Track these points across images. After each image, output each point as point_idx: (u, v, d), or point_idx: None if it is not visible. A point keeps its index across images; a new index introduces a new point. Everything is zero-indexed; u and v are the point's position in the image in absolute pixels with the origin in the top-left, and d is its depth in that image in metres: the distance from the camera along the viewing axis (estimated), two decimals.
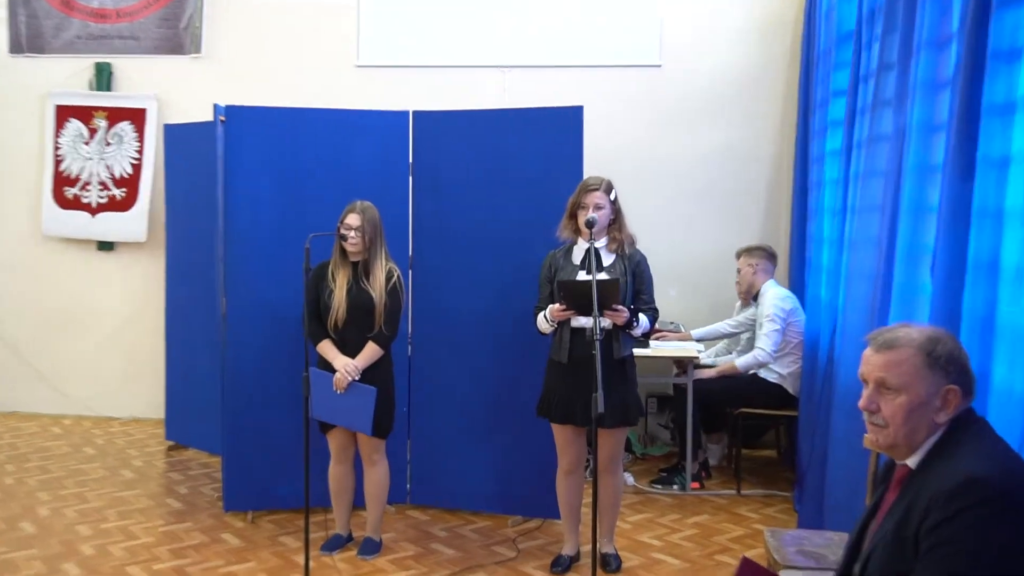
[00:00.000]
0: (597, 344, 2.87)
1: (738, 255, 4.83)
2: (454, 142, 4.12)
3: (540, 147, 3.96)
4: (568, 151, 3.91)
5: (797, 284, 4.88)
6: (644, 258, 3.50)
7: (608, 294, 3.17)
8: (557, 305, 3.31)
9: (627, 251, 3.48)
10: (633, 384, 3.49)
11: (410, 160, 4.17)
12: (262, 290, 4.08)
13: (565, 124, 3.91)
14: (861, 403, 1.81)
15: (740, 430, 4.70)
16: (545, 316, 3.41)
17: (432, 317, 4.19)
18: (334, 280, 3.56)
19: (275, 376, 4.07)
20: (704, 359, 4.90)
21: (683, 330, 5.06)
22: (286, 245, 3.97)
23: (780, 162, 5.39)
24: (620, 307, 3.26)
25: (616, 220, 3.45)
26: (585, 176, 3.68)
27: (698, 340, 4.91)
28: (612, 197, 3.40)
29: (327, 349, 3.58)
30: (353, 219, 3.54)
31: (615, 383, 3.33)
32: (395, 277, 3.60)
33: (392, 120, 4.18)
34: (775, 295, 4.60)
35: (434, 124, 4.18)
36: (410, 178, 4.17)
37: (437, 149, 4.14)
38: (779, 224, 5.38)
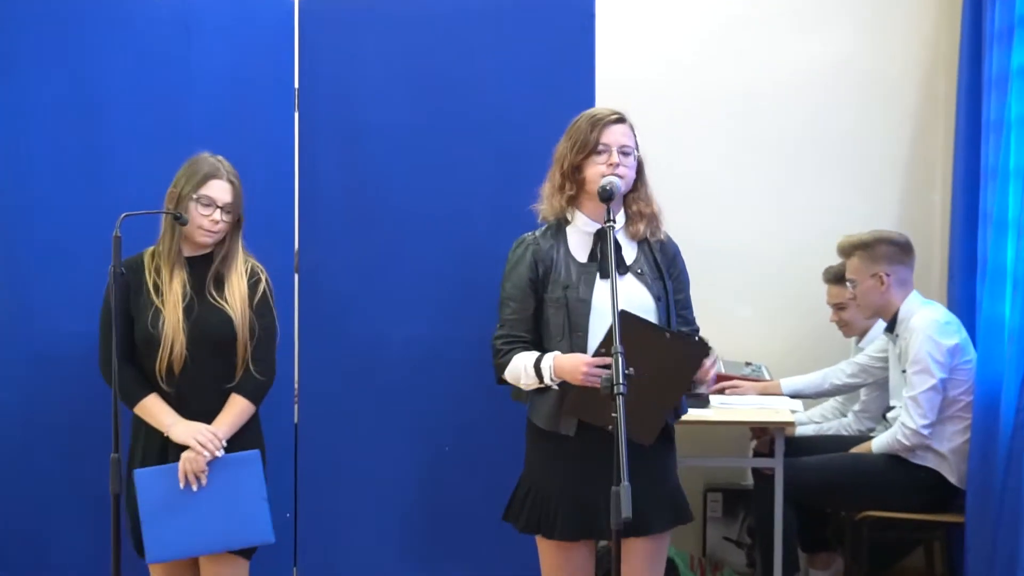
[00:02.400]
0: (620, 403, 2.71)
1: (846, 253, 4.55)
2: (375, 51, 4.00)
3: (525, 63, 3.94)
4: (571, 73, 3.90)
5: (962, 300, 4.71)
6: (678, 248, 3.42)
7: (693, 359, 3.14)
8: (586, 359, 3.06)
9: (654, 237, 3.34)
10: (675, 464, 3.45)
11: (295, 83, 3.98)
12: (29, 309, 3.95)
13: (567, 24, 3.91)
14: None
15: (866, 547, 4.43)
16: (532, 366, 3.17)
17: (333, 354, 4.07)
18: (157, 291, 3.42)
19: (45, 460, 3.92)
20: (801, 427, 4.80)
21: (767, 376, 4.94)
22: (72, 230, 3.89)
23: (932, 92, 5.20)
24: (710, 373, 3.24)
25: (638, 183, 3.31)
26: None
27: (792, 395, 4.75)
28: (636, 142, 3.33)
29: (156, 411, 3.41)
30: (220, 190, 3.43)
31: (656, 462, 3.23)
32: (263, 281, 3.53)
33: (262, 11, 3.99)
34: (929, 324, 4.32)
35: (338, 21, 4.02)
36: (295, 115, 3.99)
37: (344, 63, 4.01)
38: (930, 199, 5.18)
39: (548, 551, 3.32)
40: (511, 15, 3.95)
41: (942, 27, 5.16)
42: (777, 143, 5.26)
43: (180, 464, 3.36)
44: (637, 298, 3.14)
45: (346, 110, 3.99)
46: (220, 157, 3.48)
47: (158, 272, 3.43)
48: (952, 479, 4.23)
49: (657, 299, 3.21)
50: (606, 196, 3.10)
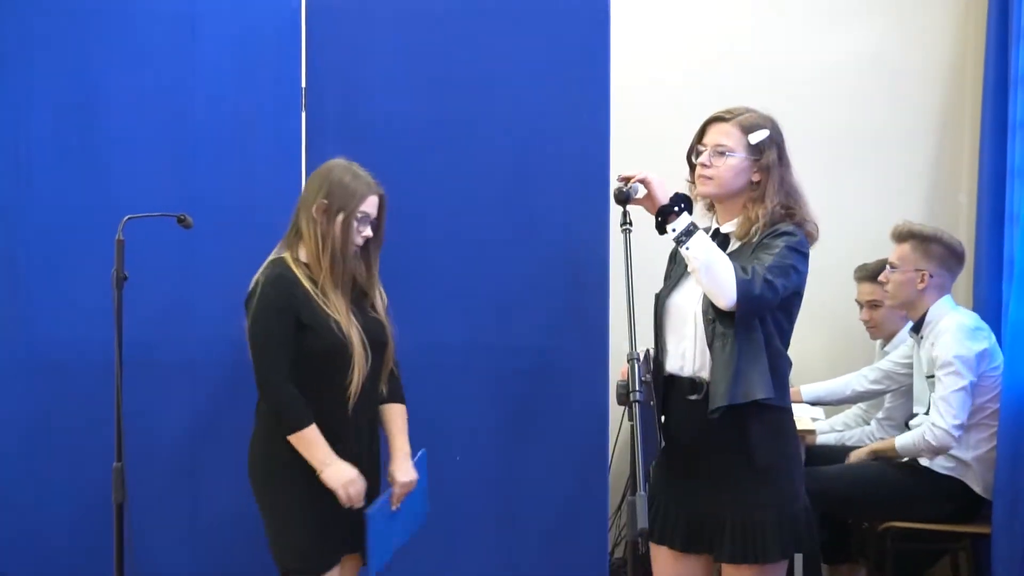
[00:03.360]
0: (637, 411, 2.75)
1: (901, 237, 4.45)
2: (383, 49, 3.98)
3: (537, 61, 3.92)
4: (586, 71, 3.88)
5: (988, 302, 4.71)
6: (785, 233, 3.17)
7: None
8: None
9: (765, 234, 3.16)
10: (785, 472, 3.21)
11: (302, 82, 3.97)
12: (28, 314, 3.92)
13: (581, 21, 3.90)
14: None
15: (890, 558, 4.42)
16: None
17: None
18: (325, 299, 3.32)
19: (46, 468, 3.88)
20: (823, 436, 4.80)
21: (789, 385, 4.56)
22: (73, 232, 3.86)
23: (958, 91, 5.21)
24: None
25: (763, 183, 3.20)
26: (612, 110, 3.76)
27: (812, 403, 4.83)
28: (756, 140, 3.20)
29: (316, 444, 3.29)
30: (372, 205, 3.41)
31: (781, 486, 3.17)
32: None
33: (268, 9, 3.97)
34: (957, 327, 4.27)
35: (346, 18, 4.00)
36: (302, 114, 3.97)
37: (351, 61, 3.99)
38: (955, 199, 5.19)
39: (661, 560, 3.30)
40: (522, 13, 3.94)
41: (968, 25, 5.13)
42: (800, 142, 5.11)
43: (394, 492, 3.41)
44: (689, 304, 3.11)
45: (354, 109, 3.96)
46: (357, 165, 3.45)
47: (313, 283, 3.37)
48: (977, 488, 4.20)
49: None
50: (617, 200, 3.11)
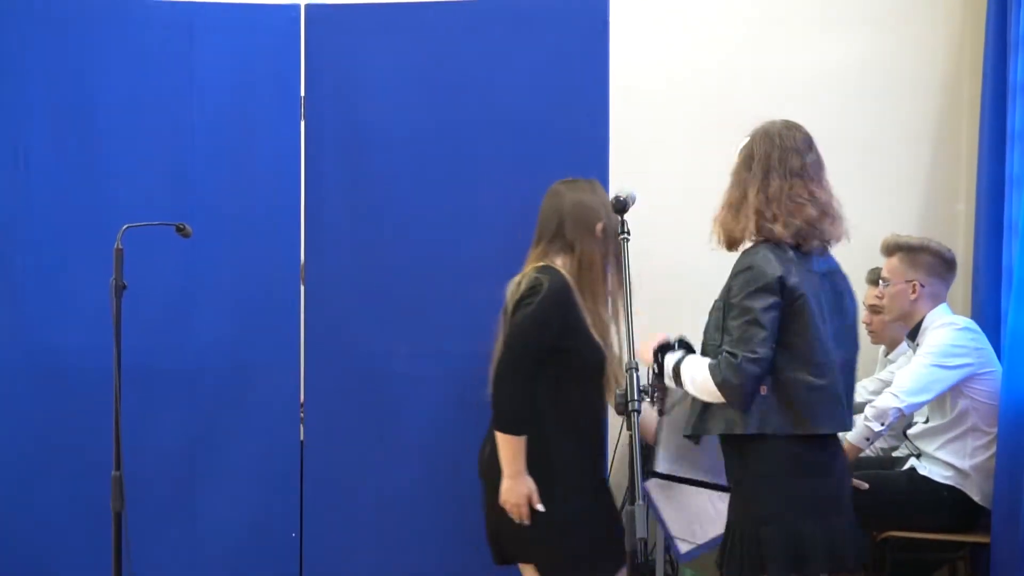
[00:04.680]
0: (635, 421, 2.77)
1: (889, 251, 4.43)
2: (382, 58, 4.01)
3: (536, 69, 3.94)
4: (584, 79, 3.89)
5: (987, 311, 4.66)
6: (738, 265, 3.31)
7: None
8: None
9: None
10: (751, 492, 3.24)
11: (301, 90, 4.01)
12: (39, 324, 3.93)
13: (580, 29, 3.91)
14: None
15: (889, 567, 4.35)
16: None
17: (339, 369, 4.05)
18: (594, 315, 3.43)
19: (45, 476, 3.89)
20: None
21: None
22: (71, 240, 3.90)
23: (956, 99, 5.20)
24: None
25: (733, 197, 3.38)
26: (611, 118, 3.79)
27: None
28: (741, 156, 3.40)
29: (519, 453, 3.35)
30: None
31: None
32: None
33: (267, 18, 4.02)
34: (948, 332, 4.22)
35: (344, 27, 4.03)
36: (301, 124, 4.01)
37: (350, 70, 4.03)
38: (953, 208, 5.18)
39: None
40: (521, 21, 3.94)
41: (967, 32, 5.15)
42: None
43: None
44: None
45: (353, 118, 3.97)
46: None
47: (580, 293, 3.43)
48: (976, 497, 4.15)
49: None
50: (615, 208, 3.11)
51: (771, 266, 3.07)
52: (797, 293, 3.08)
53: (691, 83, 5.18)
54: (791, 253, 3.15)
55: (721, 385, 3.08)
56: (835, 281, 3.27)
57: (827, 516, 3.15)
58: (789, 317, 3.10)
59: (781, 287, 3.05)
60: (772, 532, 3.14)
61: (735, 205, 3.29)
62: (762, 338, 3.06)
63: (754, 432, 3.13)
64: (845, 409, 3.22)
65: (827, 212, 3.24)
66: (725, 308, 3.17)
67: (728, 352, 3.07)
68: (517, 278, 3.37)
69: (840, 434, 4.57)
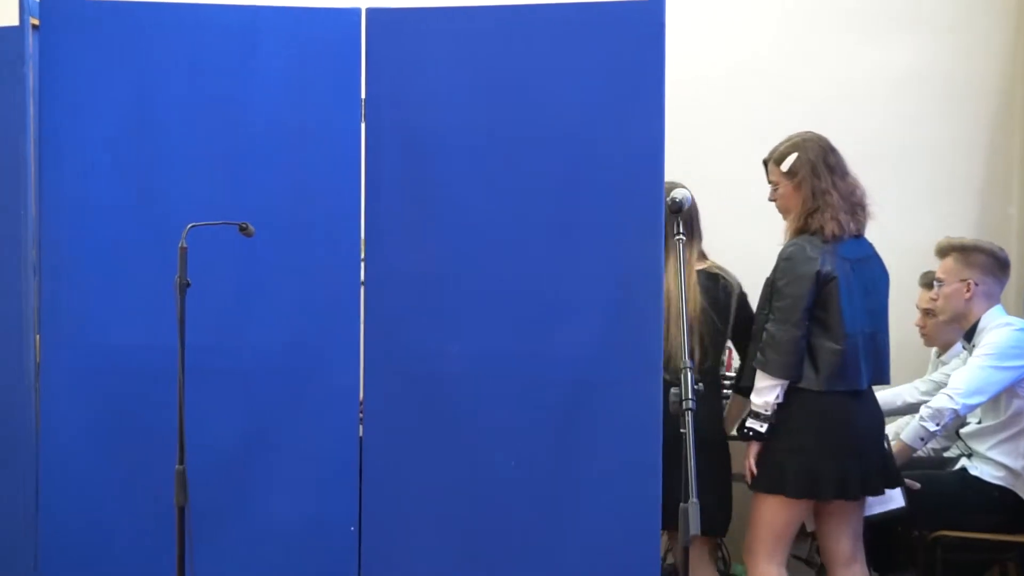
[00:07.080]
0: (689, 419, 2.84)
1: (943, 252, 4.46)
2: (443, 62, 3.93)
3: (594, 73, 3.86)
4: (640, 83, 3.80)
5: None
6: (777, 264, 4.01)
7: None
8: None
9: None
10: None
11: (362, 93, 3.93)
12: (102, 323, 3.89)
13: (636, 33, 3.82)
14: None
15: (940, 567, 4.33)
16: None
17: (398, 367, 3.98)
18: None
19: (108, 473, 3.86)
20: None
21: None
22: (130, 242, 3.88)
23: (1009, 102, 5.22)
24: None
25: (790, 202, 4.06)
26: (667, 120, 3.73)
27: None
28: (787, 167, 3.98)
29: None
30: None
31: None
32: None
33: (328, 21, 3.96)
34: (1006, 333, 4.25)
35: (406, 30, 3.97)
36: (362, 125, 3.94)
37: (411, 73, 3.95)
38: (1005, 212, 5.21)
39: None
40: (578, 24, 3.90)
41: (1020, 38, 5.17)
42: (849, 152, 4.97)
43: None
44: None
45: (413, 121, 3.94)
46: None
47: None
48: None
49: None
50: (671, 209, 3.22)
51: (808, 256, 3.75)
52: (830, 278, 3.74)
53: (746, 86, 5.23)
54: (829, 244, 3.78)
55: (772, 373, 3.77)
56: (870, 267, 3.91)
57: (842, 459, 3.74)
58: (822, 297, 3.76)
59: (816, 274, 3.71)
60: (794, 464, 3.77)
61: (805, 201, 3.91)
62: (788, 311, 3.76)
63: (795, 385, 3.77)
64: (862, 373, 3.80)
65: (858, 204, 3.92)
66: (772, 290, 3.82)
67: (768, 337, 3.76)
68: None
69: (894, 433, 4.70)
